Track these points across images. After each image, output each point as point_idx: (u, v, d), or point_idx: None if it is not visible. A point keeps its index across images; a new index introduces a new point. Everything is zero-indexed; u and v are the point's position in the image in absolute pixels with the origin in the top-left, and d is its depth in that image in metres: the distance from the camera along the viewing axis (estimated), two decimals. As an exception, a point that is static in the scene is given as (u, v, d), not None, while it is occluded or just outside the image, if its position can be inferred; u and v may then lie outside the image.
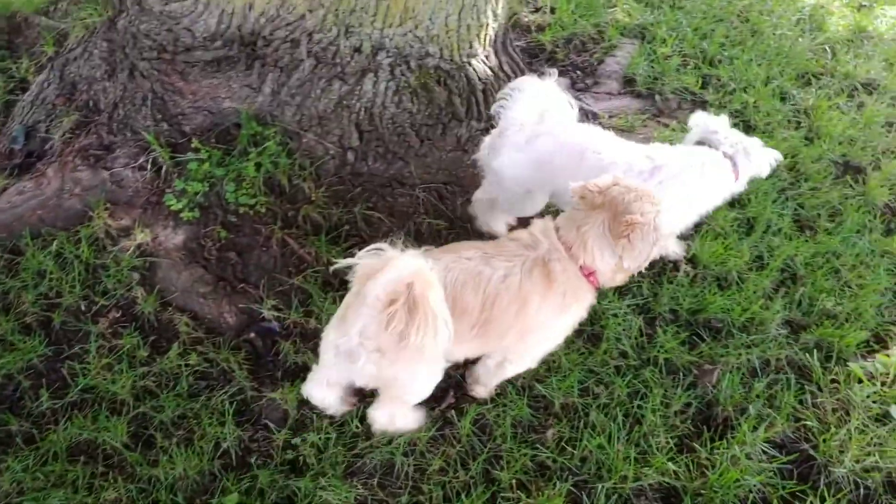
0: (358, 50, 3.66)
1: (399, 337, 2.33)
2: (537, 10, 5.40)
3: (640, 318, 3.66)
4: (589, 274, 2.78)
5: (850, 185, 4.56)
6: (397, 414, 3.00)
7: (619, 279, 2.89)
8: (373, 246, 2.42)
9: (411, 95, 3.75)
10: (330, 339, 2.64)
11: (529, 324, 2.77)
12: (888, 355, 3.72)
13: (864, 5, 6.48)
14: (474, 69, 3.96)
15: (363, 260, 2.40)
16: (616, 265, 2.76)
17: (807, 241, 4.15)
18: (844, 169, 4.69)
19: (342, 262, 2.48)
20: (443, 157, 3.83)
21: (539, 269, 2.71)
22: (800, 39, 5.70)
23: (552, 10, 5.38)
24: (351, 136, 3.68)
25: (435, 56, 3.81)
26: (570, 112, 3.36)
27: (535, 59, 5.07)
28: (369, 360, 2.52)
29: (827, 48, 5.72)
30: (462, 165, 3.87)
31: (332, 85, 3.64)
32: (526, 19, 5.30)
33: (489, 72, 4.06)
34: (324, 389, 2.93)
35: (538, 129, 3.29)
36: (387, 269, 2.30)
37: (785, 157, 4.40)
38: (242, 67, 3.63)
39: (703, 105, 4.85)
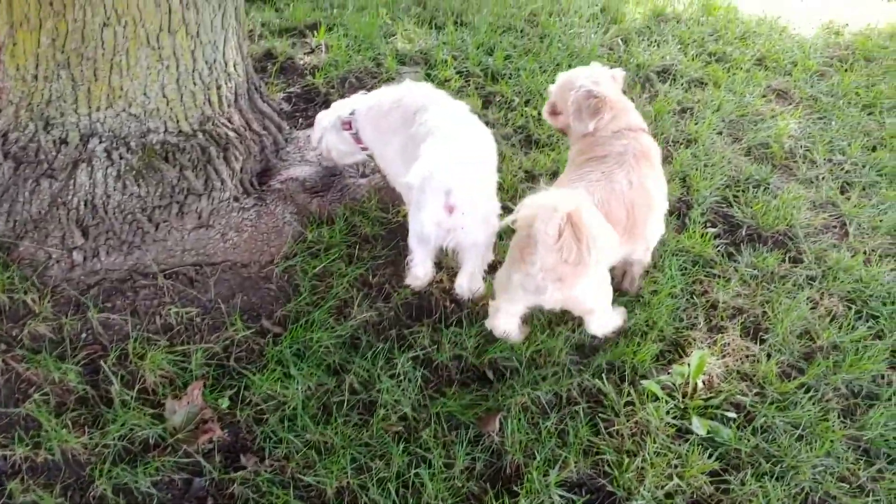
0: (64, 141, 3.36)
1: (574, 262, 2.80)
2: (312, 51, 5.15)
3: (422, 371, 3.42)
4: None
5: (642, 185, 4.42)
6: (602, 319, 3.43)
7: None
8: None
9: (136, 178, 3.45)
10: (515, 279, 3.11)
11: (656, 204, 3.42)
12: (684, 363, 3.56)
13: (662, -13, 6.41)
14: (210, 135, 3.69)
15: (522, 210, 2.85)
16: None
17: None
18: (636, 167, 4.54)
19: (508, 220, 2.97)
20: (185, 238, 3.55)
21: (642, 158, 3.37)
22: (592, 36, 5.57)
23: (327, 49, 5.13)
24: (73, 234, 3.37)
25: (158, 131, 3.53)
26: None
27: (311, 103, 4.82)
28: (555, 290, 3.01)
29: (620, 41, 5.61)
30: (210, 241, 3.59)
31: (41, 184, 3.33)
32: (301, 62, 5.04)
33: (231, 134, 3.79)
34: (509, 321, 3.40)
35: None
36: (546, 210, 2.73)
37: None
38: (-62, 182, 3.29)
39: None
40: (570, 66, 5.21)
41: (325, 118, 3.96)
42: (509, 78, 5.02)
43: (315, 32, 5.23)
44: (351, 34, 5.22)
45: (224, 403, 3.20)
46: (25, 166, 3.32)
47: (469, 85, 4.96)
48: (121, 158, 3.43)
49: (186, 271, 3.55)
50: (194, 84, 3.56)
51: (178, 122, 3.57)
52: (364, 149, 3.94)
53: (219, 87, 3.72)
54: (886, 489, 3.13)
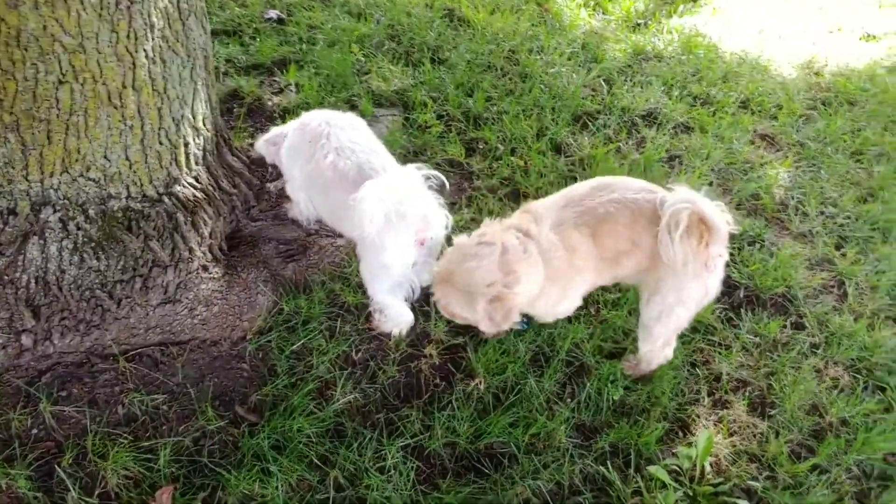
0: (13, 212, 2.99)
1: None
2: (281, 90, 4.81)
3: (414, 462, 3.12)
4: None
5: (635, 243, 4.18)
6: None
7: None
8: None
9: (95, 250, 3.10)
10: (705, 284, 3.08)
11: None
12: (690, 444, 3.33)
13: (640, 23, 6.22)
14: (177, 198, 3.35)
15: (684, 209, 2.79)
16: None
17: (591, 322, 3.72)
18: (628, 223, 4.31)
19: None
20: (150, 315, 3.20)
21: None
22: (574, 76, 5.34)
23: (297, 89, 4.80)
24: (22, 315, 2.99)
25: (120, 196, 3.17)
26: None
27: (281, 150, 4.47)
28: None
29: (602, 81, 5.39)
30: (177, 318, 3.24)
31: (-15, 260, 2.95)
32: (270, 103, 4.70)
33: (200, 195, 3.46)
34: None
35: None
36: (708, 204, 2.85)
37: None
38: None
39: (469, 177, 4.39)
40: (553, 109, 4.97)
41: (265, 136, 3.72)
42: (492, 123, 4.75)
43: (284, 70, 4.88)
44: (322, 72, 4.89)
45: (197, 509, 2.86)
46: (-33, 241, 2.94)
47: (451, 130, 4.67)
48: (78, 229, 3.07)
49: (151, 352, 3.20)
50: (160, 144, 3.22)
51: (142, 185, 3.23)
52: None
53: (186, 145, 3.38)
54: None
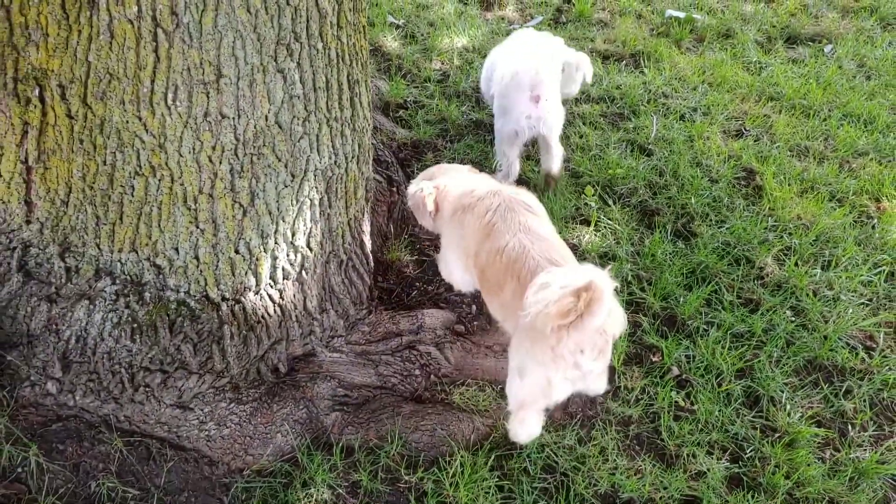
0: (76, 271, 3.16)
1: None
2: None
3: None
4: None
5: None
6: None
7: None
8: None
9: (133, 332, 3.16)
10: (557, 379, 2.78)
11: None
12: None
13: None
14: (242, 308, 3.26)
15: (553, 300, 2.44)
16: None
17: None
18: None
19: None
20: (161, 410, 3.18)
21: None
22: (848, 311, 4.14)
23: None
24: (54, 365, 3.17)
25: (178, 290, 3.19)
26: None
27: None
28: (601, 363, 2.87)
29: (883, 334, 4.09)
30: (185, 423, 3.19)
31: (42, 306, 3.16)
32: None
33: (272, 309, 3.34)
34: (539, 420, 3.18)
35: None
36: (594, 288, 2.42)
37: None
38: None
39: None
40: (783, 352, 3.89)
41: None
42: (686, 336, 3.87)
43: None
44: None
45: None
46: (33, 283, 3.17)
47: (636, 306, 3.90)
48: (126, 307, 3.15)
49: (151, 444, 3.19)
50: (236, 252, 3.15)
51: (205, 285, 3.19)
52: None
53: (275, 259, 3.26)
54: None
